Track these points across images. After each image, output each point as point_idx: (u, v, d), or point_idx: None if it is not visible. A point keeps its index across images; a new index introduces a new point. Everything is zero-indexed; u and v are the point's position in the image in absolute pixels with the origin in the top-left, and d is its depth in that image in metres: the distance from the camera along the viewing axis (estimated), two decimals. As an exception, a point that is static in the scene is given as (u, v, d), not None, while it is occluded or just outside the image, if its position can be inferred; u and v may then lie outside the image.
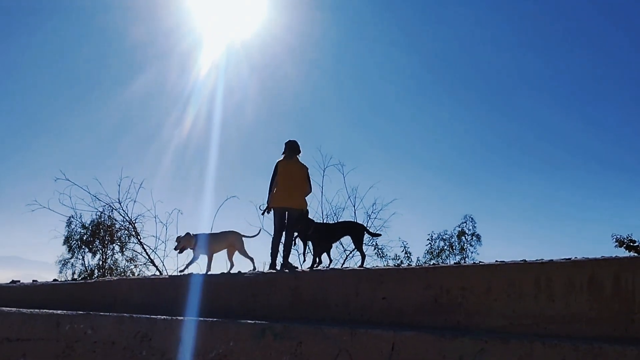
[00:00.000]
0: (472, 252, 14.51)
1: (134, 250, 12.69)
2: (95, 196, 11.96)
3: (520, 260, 5.16)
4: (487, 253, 14.99)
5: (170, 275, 5.44)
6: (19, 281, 5.06)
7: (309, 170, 6.37)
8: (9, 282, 5.03)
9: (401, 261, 13.07)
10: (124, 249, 12.72)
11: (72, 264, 12.70)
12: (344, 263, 11.90)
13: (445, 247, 14.50)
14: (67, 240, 12.74)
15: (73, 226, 13.00)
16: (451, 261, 13.74)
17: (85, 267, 12.59)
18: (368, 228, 7.10)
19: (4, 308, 4.30)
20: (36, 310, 4.32)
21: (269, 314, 4.88)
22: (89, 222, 12.81)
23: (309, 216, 6.27)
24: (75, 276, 12.35)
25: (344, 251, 12.05)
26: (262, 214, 6.30)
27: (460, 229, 14.77)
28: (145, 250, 12.32)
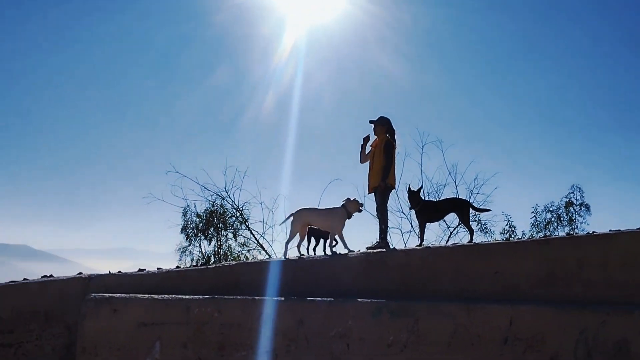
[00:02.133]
0: (581, 223, 15.42)
1: (244, 236, 14.97)
2: (204, 186, 14.55)
3: (637, 228, 5.86)
4: (597, 223, 16.05)
5: (285, 259, 6.23)
6: (145, 269, 5.91)
7: None
8: (136, 270, 5.87)
9: (509, 235, 14.09)
10: (236, 236, 14.86)
11: (190, 252, 14.34)
12: (448, 240, 13.03)
13: (553, 219, 15.40)
14: (184, 229, 14.31)
15: (189, 215, 15.03)
16: (559, 233, 14.62)
17: (202, 254, 14.19)
18: (472, 204, 7.89)
19: (138, 294, 5.16)
20: (167, 296, 5.18)
21: (381, 293, 5.71)
22: (202, 211, 14.96)
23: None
24: (194, 263, 13.88)
25: (447, 228, 13.23)
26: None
27: (567, 200, 15.66)
28: (254, 235, 14.74)
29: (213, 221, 14.80)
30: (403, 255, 6.05)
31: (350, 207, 6.55)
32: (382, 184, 6.96)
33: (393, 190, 7.15)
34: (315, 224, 6.67)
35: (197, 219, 14.99)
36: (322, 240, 7.43)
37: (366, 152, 7.36)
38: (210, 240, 15.04)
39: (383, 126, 7.24)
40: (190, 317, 5.11)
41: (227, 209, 14.98)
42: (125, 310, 5.00)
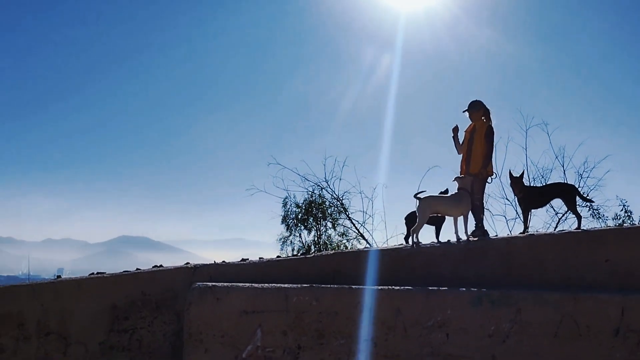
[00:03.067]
0: None
1: (344, 226, 15.86)
2: (304, 177, 15.43)
3: None
4: None
5: (382, 248, 6.59)
6: (247, 259, 6.53)
7: None
8: (239, 260, 6.50)
9: (623, 221, 13.72)
10: (335, 225, 15.86)
11: (290, 241, 15.65)
12: (556, 227, 12.97)
13: None
14: (284, 220, 15.71)
15: (288, 206, 16.30)
16: None
17: (303, 244, 15.45)
18: (580, 189, 7.72)
19: (239, 283, 5.73)
20: (267, 284, 5.70)
21: (481, 281, 5.90)
22: (302, 201, 16.11)
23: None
24: (295, 252, 15.05)
25: (555, 214, 13.17)
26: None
27: None
28: (354, 224, 15.51)
29: (312, 211, 15.74)
30: (505, 243, 6.18)
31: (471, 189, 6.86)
32: (483, 172, 7.04)
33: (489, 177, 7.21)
34: (442, 211, 6.92)
35: (297, 209, 15.96)
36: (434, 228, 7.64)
37: (460, 142, 7.44)
38: (310, 230, 16.02)
39: (478, 111, 7.31)
40: (290, 306, 5.59)
41: (326, 199, 15.81)
42: (228, 299, 5.56)
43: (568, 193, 6.88)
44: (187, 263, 6.61)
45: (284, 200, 15.98)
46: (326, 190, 15.58)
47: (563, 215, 13.18)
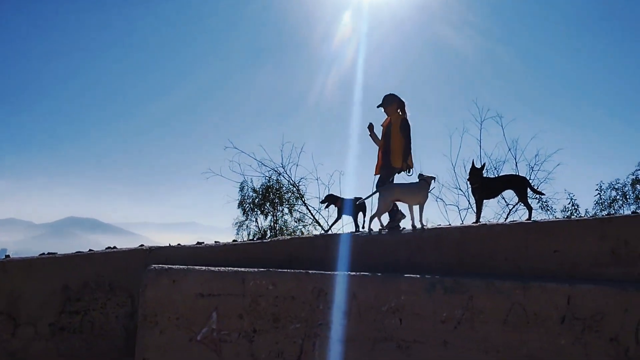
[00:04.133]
0: (648, 201, 15.16)
1: (300, 212, 15.98)
2: (261, 162, 15.45)
3: None
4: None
5: (338, 233, 6.60)
6: (203, 242, 6.42)
7: None
8: (195, 243, 6.38)
9: (571, 213, 14.09)
10: (292, 211, 15.92)
11: (247, 226, 15.40)
12: (507, 217, 13.25)
13: (618, 197, 15.34)
14: (241, 204, 15.36)
15: (245, 190, 16.19)
16: (624, 212, 14.49)
17: (259, 228, 15.27)
18: (531, 181, 7.86)
19: (195, 267, 5.63)
20: (224, 268, 5.63)
21: (435, 269, 5.97)
22: (259, 186, 16.04)
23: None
24: (250, 237, 14.81)
25: (507, 205, 13.45)
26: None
27: (634, 177, 15.58)
28: (310, 211, 15.66)
29: (269, 196, 15.73)
30: (459, 233, 6.26)
31: (430, 181, 6.92)
32: (404, 165, 7.14)
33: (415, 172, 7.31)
34: (402, 199, 6.94)
35: (254, 194, 15.86)
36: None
37: (380, 137, 7.47)
38: (266, 215, 16.04)
39: (392, 104, 7.35)
40: (246, 289, 5.53)
41: (283, 184, 15.83)
42: (184, 281, 5.47)
43: (520, 185, 7.02)
44: (142, 245, 6.48)
45: (241, 184, 15.95)
46: (283, 176, 15.62)
47: (514, 206, 13.51)
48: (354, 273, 5.71)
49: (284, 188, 15.83)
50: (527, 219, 6.70)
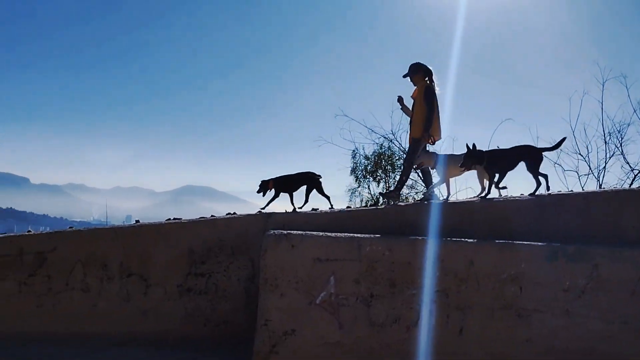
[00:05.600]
0: None
1: (412, 179, 15.45)
2: (371, 129, 15.13)
3: None
4: None
5: (453, 201, 6.44)
6: (318, 209, 6.49)
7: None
8: (310, 210, 6.48)
9: None
10: None
11: (359, 193, 15.58)
12: (632, 183, 12.48)
13: None
14: (353, 171, 15.55)
15: (357, 158, 16.20)
16: None
17: (371, 195, 15.29)
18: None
19: (312, 232, 5.69)
20: (340, 234, 5.64)
21: (555, 237, 5.69)
22: (370, 153, 15.97)
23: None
24: (363, 204, 15.05)
25: (631, 170, 12.72)
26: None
27: None
28: (420, 178, 15.04)
29: (381, 163, 15.50)
30: (581, 199, 5.92)
31: None
32: (425, 135, 6.85)
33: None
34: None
35: (366, 161, 15.66)
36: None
37: (410, 109, 7.19)
38: (378, 182, 15.90)
39: (418, 73, 7.04)
40: (362, 255, 5.51)
41: (394, 151, 15.48)
42: (302, 246, 5.52)
43: (533, 156, 6.48)
44: (259, 211, 6.61)
45: (353, 152, 15.82)
46: (393, 143, 15.31)
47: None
48: (470, 240, 5.55)
49: (395, 155, 15.60)
50: (530, 194, 6.31)
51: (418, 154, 6.97)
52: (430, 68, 7.05)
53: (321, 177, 7.13)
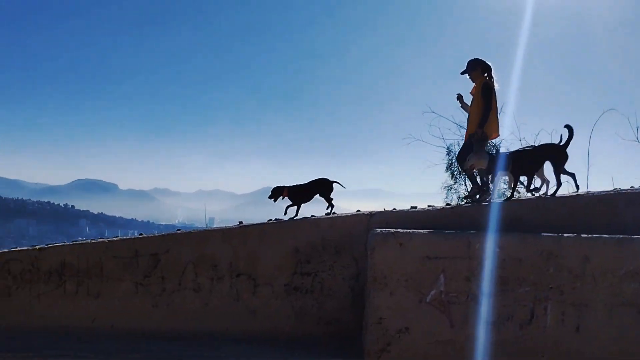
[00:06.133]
0: None
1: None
2: (460, 125, 14.49)
3: None
4: None
5: (559, 196, 6.22)
6: (417, 207, 6.47)
7: None
8: (408, 208, 6.45)
9: None
10: None
11: (455, 189, 15.45)
12: None
13: None
14: (448, 168, 15.45)
15: (452, 155, 15.56)
16: None
17: (468, 192, 15.17)
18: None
19: (420, 230, 5.65)
20: (448, 231, 5.57)
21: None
22: None
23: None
24: (460, 200, 14.98)
25: None
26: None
27: None
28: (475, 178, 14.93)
29: None
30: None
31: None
32: (478, 131, 6.61)
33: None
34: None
35: None
36: None
37: (469, 106, 6.99)
38: None
39: (476, 69, 6.81)
40: (472, 252, 5.41)
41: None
42: (410, 244, 5.48)
43: (559, 155, 6.22)
44: (358, 210, 6.62)
45: (448, 148, 15.53)
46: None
47: None
48: (585, 235, 5.36)
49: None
50: (551, 194, 6.17)
51: (468, 157, 6.78)
52: (490, 64, 6.88)
53: (339, 183, 6.94)
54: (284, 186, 6.83)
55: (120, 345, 5.82)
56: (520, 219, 5.94)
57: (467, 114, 7.08)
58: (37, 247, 6.34)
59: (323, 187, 6.83)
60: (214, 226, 6.82)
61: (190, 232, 6.41)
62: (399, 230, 5.63)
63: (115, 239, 6.40)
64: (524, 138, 13.80)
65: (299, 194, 6.77)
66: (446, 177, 15.63)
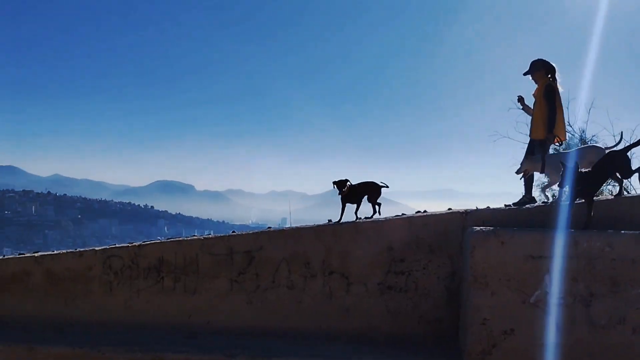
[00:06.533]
0: None
1: None
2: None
3: None
4: None
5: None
6: (509, 205, 6.28)
7: None
8: (502, 206, 6.25)
9: None
10: None
11: (551, 188, 15.00)
12: None
13: None
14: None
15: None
16: None
17: None
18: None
19: (522, 228, 5.43)
20: (553, 229, 5.32)
21: None
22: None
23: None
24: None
25: None
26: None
27: None
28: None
29: None
30: None
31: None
32: (549, 136, 6.41)
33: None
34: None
35: None
36: None
37: (532, 108, 6.74)
38: None
39: (540, 70, 6.54)
40: (579, 251, 5.15)
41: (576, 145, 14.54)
42: (512, 243, 5.27)
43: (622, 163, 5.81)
44: (449, 209, 6.45)
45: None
46: (575, 135, 14.36)
47: None
48: None
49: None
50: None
51: (522, 161, 6.64)
52: (554, 65, 6.62)
53: (386, 186, 6.58)
54: (347, 181, 6.51)
55: (219, 342, 5.89)
56: (631, 218, 5.61)
57: (530, 116, 6.86)
58: (136, 243, 6.49)
59: (372, 190, 6.56)
60: (286, 226, 6.80)
61: (282, 229, 6.41)
62: (499, 228, 5.43)
63: (211, 236, 6.48)
64: (617, 134, 13.09)
65: (352, 194, 6.51)
66: (541, 176, 15.00)
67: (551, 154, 6.61)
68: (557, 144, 6.73)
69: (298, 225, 6.62)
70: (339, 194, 6.39)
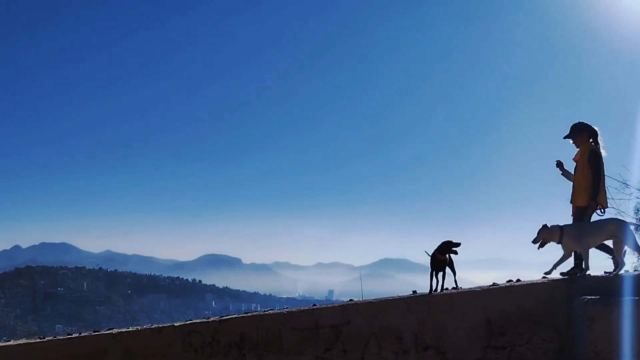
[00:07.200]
0: None
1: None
2: (625, 183, 12.55)
3: None
4: None
5: None
6: (609, 273, 5.86)
7: None
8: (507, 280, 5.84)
9: None
10: None
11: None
12: None
13: None
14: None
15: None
16: None
17: None
18: None
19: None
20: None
21: None
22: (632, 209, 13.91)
23: None
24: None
25: None
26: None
27: None
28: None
29: None
30: None
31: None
32: (592, 204, 6.02)
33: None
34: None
35: None
36: None
37: (572, 173, 6.43)
38: None
39: (582, 135, 6.24)
40: None
41: None
42: (637, 313, 4.76)
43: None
44: (544, 277, 5.99)
45: (636, 206, 14.12)
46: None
47: None
48: None
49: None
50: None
51: (539, 229, 6.12)
52: (596, 128, 6.28)
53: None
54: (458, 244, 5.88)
55: None
56: None
57: (571, 182, 6.49)
58: (216, 318, 6.17)
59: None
60: (334, 299, 6.35)
61: (371, 301, 5.99)
62: (611, 298, 4.93)
63: (294, 309, 6.10)
64: None
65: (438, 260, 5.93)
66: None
67: (569, 225, 6.14)
68: (599, 210, 6.25)
69: (345, 298, 6.19)
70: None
